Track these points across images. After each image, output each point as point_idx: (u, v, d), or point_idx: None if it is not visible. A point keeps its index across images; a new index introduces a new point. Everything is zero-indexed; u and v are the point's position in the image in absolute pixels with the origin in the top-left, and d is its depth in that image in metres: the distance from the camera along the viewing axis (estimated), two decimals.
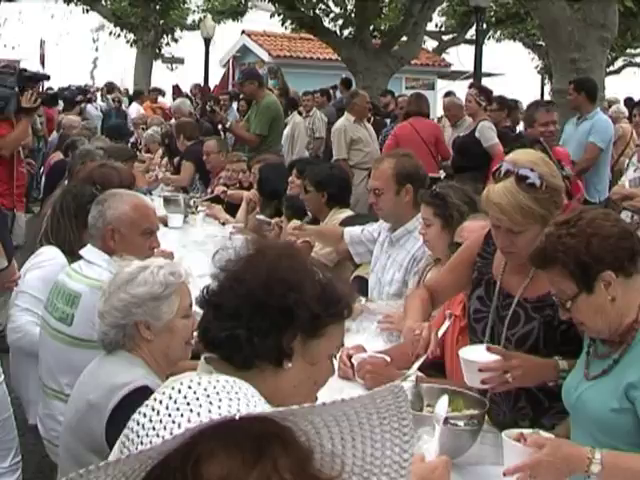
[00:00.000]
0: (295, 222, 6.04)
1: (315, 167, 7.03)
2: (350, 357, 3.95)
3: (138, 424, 1.35)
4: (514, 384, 3.12)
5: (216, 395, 1.35)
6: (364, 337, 4.43)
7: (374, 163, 5.60)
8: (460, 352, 3.17)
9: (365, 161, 10.22)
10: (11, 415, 4.24)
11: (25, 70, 8.25)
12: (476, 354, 3.15)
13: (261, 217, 6.96)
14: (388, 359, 3.94)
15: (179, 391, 1.36)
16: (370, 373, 3.78)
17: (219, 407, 1.31)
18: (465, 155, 9.16)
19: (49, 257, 4.67)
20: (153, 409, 1.35)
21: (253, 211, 7.68)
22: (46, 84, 15.27)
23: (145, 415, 1.35)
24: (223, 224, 7.87)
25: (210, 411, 1.30)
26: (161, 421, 1.31)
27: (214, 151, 9.25)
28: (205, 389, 1.36)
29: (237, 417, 1.25)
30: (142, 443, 1.29)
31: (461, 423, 2.97)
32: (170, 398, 1.35)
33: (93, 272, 3.96)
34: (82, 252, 4.14)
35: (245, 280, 2.24)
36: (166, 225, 7.42)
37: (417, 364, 3.29)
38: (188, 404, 1.33)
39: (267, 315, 2.19)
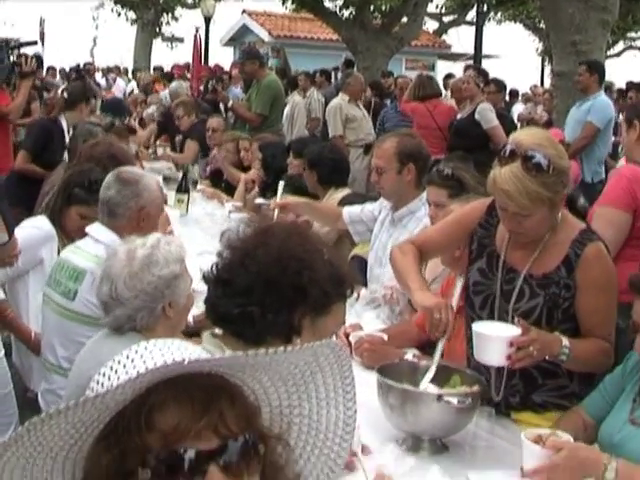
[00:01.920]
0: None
1: (311, 146, 7.11)
2: (348, 335, 3.99)
3: (97, 383, 1.42)
4: (536, 358, 3.10)
5: (168, 349, 1.43)
6: (363, 319, 4.47)
7: (377, 142, 5.62)
8: (475, 327, 3.15)
9: (361, 138, 10.25)
10: (11, 390, 4.28)
11: (10, 41, 8.27)
12: (492, 327, 3.14)
13: (260, 200, 6.99)
14: (386, 337, 3.98)
15: (135, 351, 1.43)
16: (368, 351, 3.81)
17: (171, 358, 1.39)
18: (464, 137, 9.14)
19: (35, 222, 4.76)
20: (112, 368, 1.43)
21: (251, 192, 7.69)
22: (47, 62, 15.24)
23: (104, 374, 1.43)
24: (222, 203, 7.89)
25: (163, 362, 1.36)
26: (118, 378, 1.38)
27: (219, 129, 9.30)
28: (160, 349, 1.43)
29: (186, 362, 1.32)
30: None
31: (455, 401, 2.99)
32: (127, 358, 1.42)
33: (100, 250, 3.96)
34: (89, 230, 4.16)
35: (257, 257, 2.28)
36: (166, 203, 7.43)
37: (438, 353, 3.23)
38: (142, 357, 1.41)
39: (280, 292, 2.24)
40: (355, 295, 4.84)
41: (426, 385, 3.17)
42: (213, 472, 1.33)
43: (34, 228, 4.70)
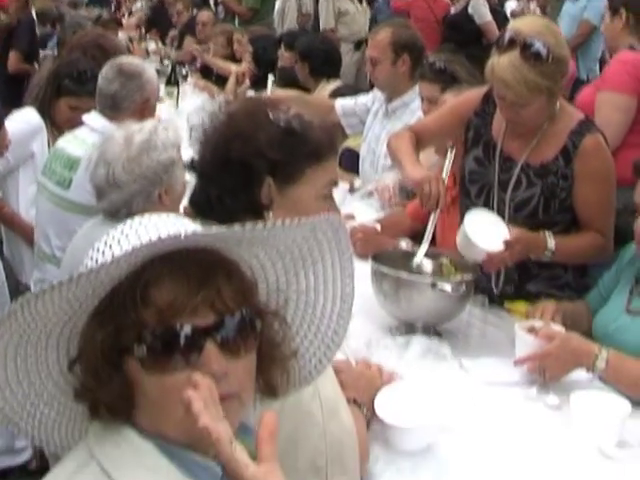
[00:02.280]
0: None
1: (302, 38, 7.02)
2: None
3: (92, 259, 1.39)
4: (511, 261, 3.16)
5: (163, 224, 1.40)
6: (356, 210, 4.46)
7: (371, 34, 5.57)
8: (465, 224, 3.13)
9: (354, 33, 10.11)
10: (4, 282, 4.26)
11: None
12: (480, 227, 3.13)
13: (251, 94, 6.92)
14: (379, 227, 3.97)
15: (130, 227, 1.40)
16: (361, 240, 3.78)
17: (167, 232, 1.35)
18: (458, 31, 9.02)
19: (23, 115, 4.69)
20: (106, 244, 1.39)
21: (242, 85, 7.60)
22: None
23: (99, 250, 1.39)
24: (213, 97, 7.79)
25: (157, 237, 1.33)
26: (113, 254, 1.34)
27: (208, 22, 9.21)
28: (155, 224, 1.40)
29: (182, 236, 1.29)
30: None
31: (449, 288, 2.99)
32: (122, 233, 1.39)
33: (96, 139, 3.86)
34: (86, 119, 4.11)
35: (211, 141, 2.26)
36: None
37: (431, 225, 3.24)
38: (137, 232, 1.38)
39: (230, 171, 2.20)
40: (347, 186, 4.84)
41: (420, 259, 3.19)
42: (210, 348, 1.31)
43: (23, 122, 4.63)
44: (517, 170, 3.31)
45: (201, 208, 2.29)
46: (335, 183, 2.34)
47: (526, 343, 2.79)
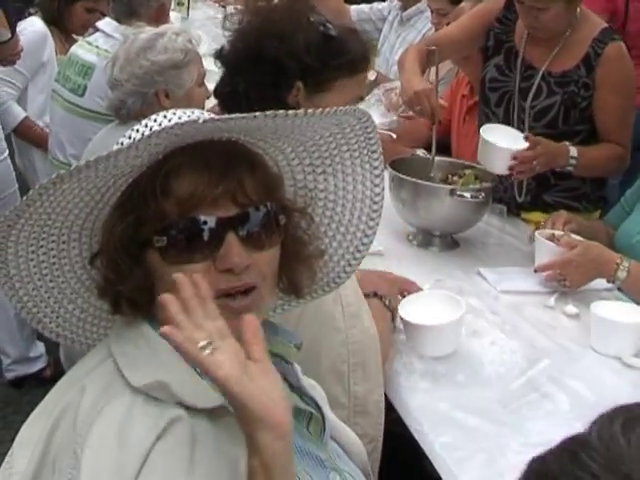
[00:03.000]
0: None
1: None
2: None
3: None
4: (539, 171, 3.09)
5: (185, 114, 1.37)
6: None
7: None
8: (483, 133, 3.08)
9: None
10: (16, 190, 4.24)
11: None
12: (499, 136, 3.08)
13: (262, 3, 6.77)
14: (394, 136, 3.92)
15: (154, 120, 1.37)
16: None
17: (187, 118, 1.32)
18: None
19: (31, 24, 4.63)
20: (128, 136, 1.36)
21: None
22: None
23: (119, 143, 1.36)
24: (224, 7, 7.66)
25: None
26: (134, 140, 1.30)
27: None
28: (179, 115, 1.37)
29: (200, 120, 1.23)
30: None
31: (468, 195, 2.94)
32: (145, 126, 1.36)
33: (110, 45, 3.87)
34: (100, 25, 4.07)
35: (244, 35, 2.22)
36: None
37: (434, 137, 3.19)
38: (156, 121, 1.35)
39: (261, 68, 2.17)
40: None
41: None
42: (230, 240, 1.28)
43: (32, 32, 4.58)
44: (538, 78, 3.25)
45: (226, 99, 2.25)
46: (361, 98, 2.31)
47: (547, 250, 2.75)
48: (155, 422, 1.20)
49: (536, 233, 2.83)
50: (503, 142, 3.05)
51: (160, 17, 4.08)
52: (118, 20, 4.04)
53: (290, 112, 1.28)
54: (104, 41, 3.97)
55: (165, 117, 1.36)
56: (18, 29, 4.55)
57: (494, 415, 2.12)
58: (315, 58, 2.16)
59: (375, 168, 1.49)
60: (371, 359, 2.00)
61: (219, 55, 2.29)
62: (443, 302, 2.41)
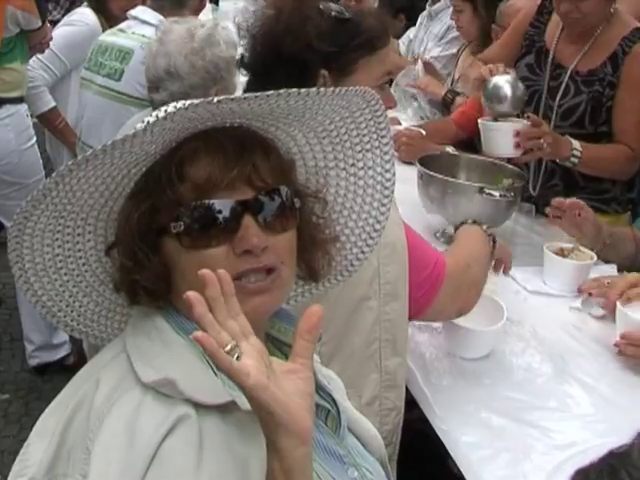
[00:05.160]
0: None
1: None
2: None
3: None
4: (546, 152, 3.05)
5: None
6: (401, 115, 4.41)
7: None
8: (481, 121, 3.08)
9: None
10: (43, 177, 4.27)
11: None
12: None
13: None
14: (424, 132, 3.91)
15: (175, 106, 1.31)
16: (405, 145, 3.75)
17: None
18: None
19: (82, 16, 4.63)
20: (144, 121, 1.30)
21: None
22: None
23: (135, 127, 1.31)
24: None
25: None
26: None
27: None
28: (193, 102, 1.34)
29: (215, 100, 1.22)
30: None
31: (496, 194, 2.93)
32: (164, 111, 1.29)
33: (147, 31, 3.87)
34: (134, 12, 4.08)
35: (260, 38, 2.20)
36: None
37: None
38: (169, 105, 1.31)
39: (283, 67, 2.15)
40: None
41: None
42: (248, 222, 1.27)
43: (84, 24, 4.59)
44: (566, 77, 3.26)
45: None
46: (391, 72, 2.27)
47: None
48: (163, 419, 1.19)
49: (544, 248, 2.82)
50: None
51: (200, 9, 4.13)
52: (161, 9, 4.02)
53: (302, 90, 1.28)
54: (141, 28, 3.98)
55: (179, 103, 1.35)
56: (68, 19, 4.59)
57: (519, 415, 2.12)
58: (331, 44, 2.14)
59: (385, 153, 1.49)
60: (401, 335, 2.04)
61: (242, 63, 2.29)
62: (482, 304, 2.34)
